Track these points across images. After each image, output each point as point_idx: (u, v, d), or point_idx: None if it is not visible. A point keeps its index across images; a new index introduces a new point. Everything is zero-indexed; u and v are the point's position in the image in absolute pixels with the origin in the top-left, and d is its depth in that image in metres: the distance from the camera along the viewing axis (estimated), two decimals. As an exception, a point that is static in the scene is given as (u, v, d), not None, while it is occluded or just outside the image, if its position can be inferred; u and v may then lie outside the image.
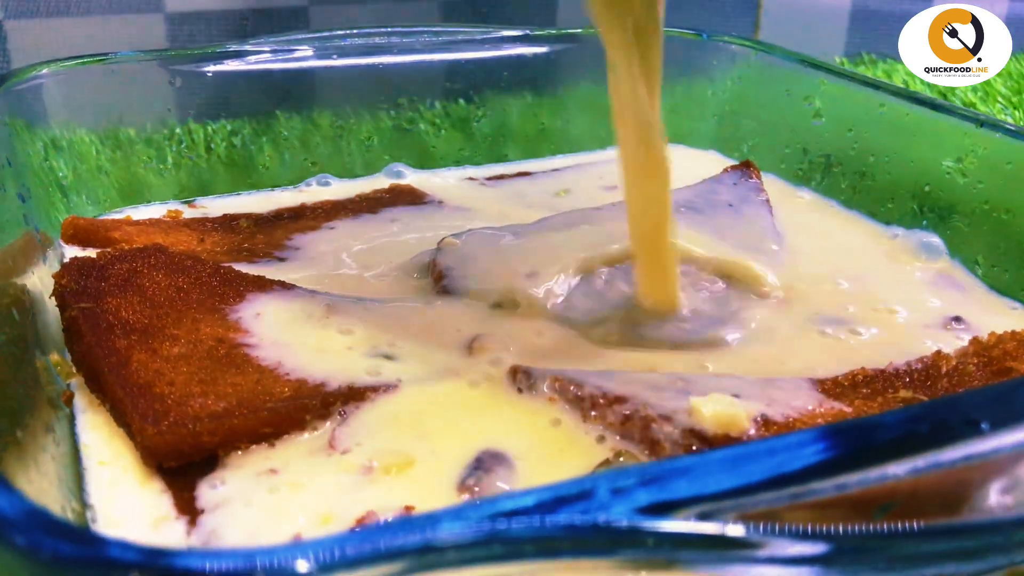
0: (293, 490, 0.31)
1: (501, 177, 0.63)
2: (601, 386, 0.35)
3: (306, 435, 0.34)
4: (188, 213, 0.56)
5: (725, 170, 0.58)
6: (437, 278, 0.45)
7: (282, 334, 0.39)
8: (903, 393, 0.36)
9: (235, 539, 0.29)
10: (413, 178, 0.61)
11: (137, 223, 0.53)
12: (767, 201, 0.54)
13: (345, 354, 0.39)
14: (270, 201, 0.58)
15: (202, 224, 0.54)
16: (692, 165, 0.61)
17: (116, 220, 0.54)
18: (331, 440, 0.34)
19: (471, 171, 0.64)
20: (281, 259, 0.49)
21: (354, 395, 0.36)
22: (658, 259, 0.41)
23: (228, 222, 0.54)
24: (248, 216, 0.55)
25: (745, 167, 0.58)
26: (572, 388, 0.36)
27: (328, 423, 0.35)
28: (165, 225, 0.53)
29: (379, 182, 0.61)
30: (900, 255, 0.51)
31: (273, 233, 0.53)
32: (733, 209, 0.53)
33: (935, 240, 0.51)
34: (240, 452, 0.33)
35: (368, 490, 0.31)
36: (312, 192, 0.59)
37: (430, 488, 0.31)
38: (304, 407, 0.35)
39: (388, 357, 0.38)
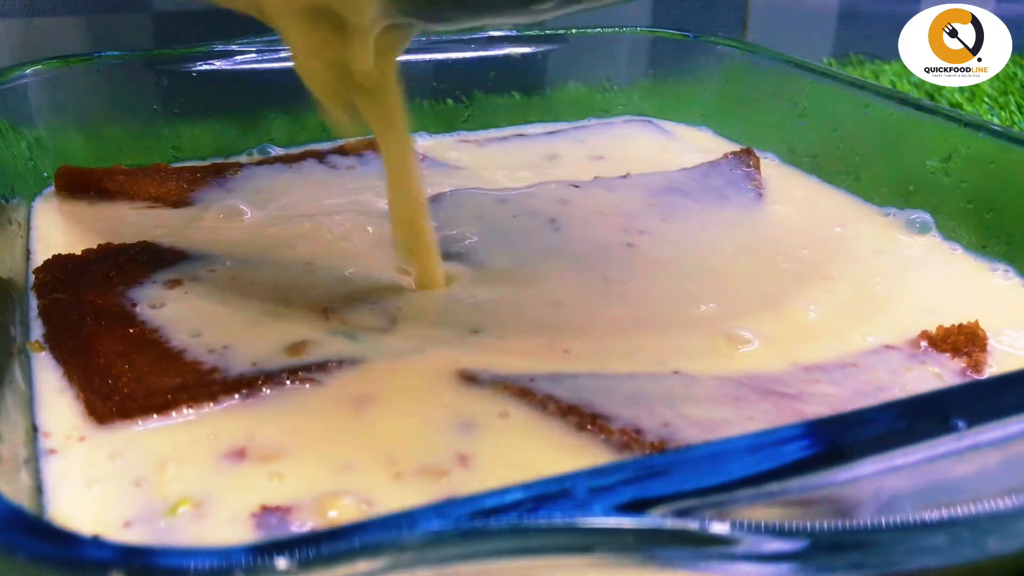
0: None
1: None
2: (552, 394, 0.34)
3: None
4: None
5: (725, 156, 0.59)
6: None
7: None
8: None
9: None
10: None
11: (129, 172, 0.53)
12: (758, 188, 0.55)
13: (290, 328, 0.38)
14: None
15: (192, 172, 0.54)
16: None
17: (108, 169, 0.53)
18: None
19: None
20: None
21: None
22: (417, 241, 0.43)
23: (219, 170, 0.55)
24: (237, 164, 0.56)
25: (745, 154, 0.59)
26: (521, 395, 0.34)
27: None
28: (156, 173, 0.53)
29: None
30: (890, 231, 0.51)
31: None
32: (720, 194, 0.54)
33: (926, 217, 0.51)
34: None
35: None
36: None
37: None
38: (252, 380, 0.34)
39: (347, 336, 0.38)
